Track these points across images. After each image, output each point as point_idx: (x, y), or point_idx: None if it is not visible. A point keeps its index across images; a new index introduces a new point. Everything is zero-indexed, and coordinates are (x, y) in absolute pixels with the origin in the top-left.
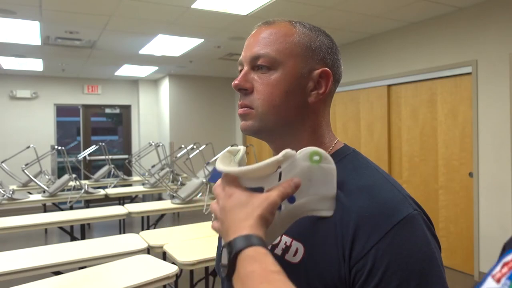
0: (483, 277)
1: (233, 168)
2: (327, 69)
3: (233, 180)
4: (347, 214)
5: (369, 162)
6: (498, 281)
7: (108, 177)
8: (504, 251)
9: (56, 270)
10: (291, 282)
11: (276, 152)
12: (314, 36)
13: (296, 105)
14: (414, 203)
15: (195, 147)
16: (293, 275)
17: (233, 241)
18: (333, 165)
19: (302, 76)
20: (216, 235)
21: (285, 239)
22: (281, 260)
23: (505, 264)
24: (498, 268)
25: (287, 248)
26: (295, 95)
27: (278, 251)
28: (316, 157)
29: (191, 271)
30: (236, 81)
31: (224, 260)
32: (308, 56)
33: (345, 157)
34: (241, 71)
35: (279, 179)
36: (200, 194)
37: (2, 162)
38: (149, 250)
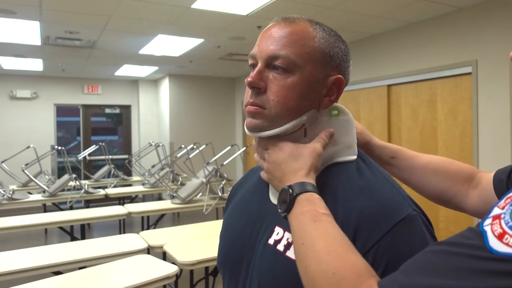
0: (490, 208)
1: (270, 131)
2: (340, 76)
3: (273, 139)
4: (348, 214)
5: (372, 163)
6: (502, 208)
7: (108, 177)
8: (508, 189)
9: (56, 270)
10: (336, 224)
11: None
12: (333, 43)
13: (308, 109)
14: (414, 204)
15: (195, 147)
16: (293, 272)
17: (293, 185)
18: (350, 116)
19: (318, 81)
20: (216, 235)
21: (288, 235)
22: (282, 256)
23: (509, 197)
24: (502, 201)
25: (289, 245)
26: (309, 99)
27: (280, 247)
28: (335, 112)
29: (191, 271)
30: (250, 78)
31: (275, 200)
32: (325, 63)
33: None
34: (252, 64)
35: (305, 134)
36: (200, 194)
37: (2, 162)
38: (149, 250)
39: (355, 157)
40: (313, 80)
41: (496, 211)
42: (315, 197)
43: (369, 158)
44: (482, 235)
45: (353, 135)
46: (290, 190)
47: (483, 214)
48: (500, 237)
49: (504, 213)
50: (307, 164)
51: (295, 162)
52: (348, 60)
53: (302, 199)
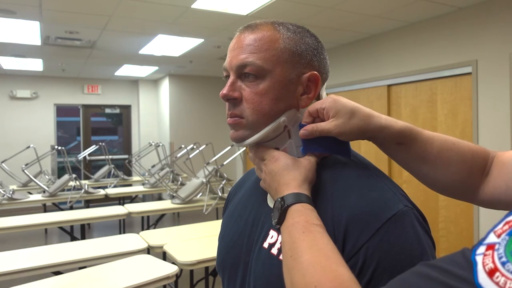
0: (487, 232)
1: (251, 139)
2: (315, 72)
3: (265, 148)
4: (338, 213)
5: (360, 160)
6: (498, 236)
7: (108, 177)
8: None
9: (56, 270)
10: (328, 235)
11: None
12: (299, 39)
13: (285, 110)
14: (406, 199)
15: (195, 147)
16: None
17: (285, 196)
18: None
19: (291, 82)
20: (216, 235)
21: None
22: (276, 260)
23: (507, 222)
24: (500, 225)
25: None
26: (285, 101)
27: (274, 250)
28: None
29: (191, 271)
30: (224, 91)
31: (272, 204)
32: (295, 62)
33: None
34: (226, 76)
35: (289, 136)
36: (200, 194)
37: (2, 162)
38: (149, 250)
39: None
40: (285, 82)
41: (491, 238)
42: (307, 207)
43: (359, 156)
44: (472, 266)
45: None
46: (282, 202)
47: (497, 204)
48: (491, 273)
49: (499, 243)
50: (301, 175)
51: (289, 173)
52: (320, 53)
53: (293, 211)
